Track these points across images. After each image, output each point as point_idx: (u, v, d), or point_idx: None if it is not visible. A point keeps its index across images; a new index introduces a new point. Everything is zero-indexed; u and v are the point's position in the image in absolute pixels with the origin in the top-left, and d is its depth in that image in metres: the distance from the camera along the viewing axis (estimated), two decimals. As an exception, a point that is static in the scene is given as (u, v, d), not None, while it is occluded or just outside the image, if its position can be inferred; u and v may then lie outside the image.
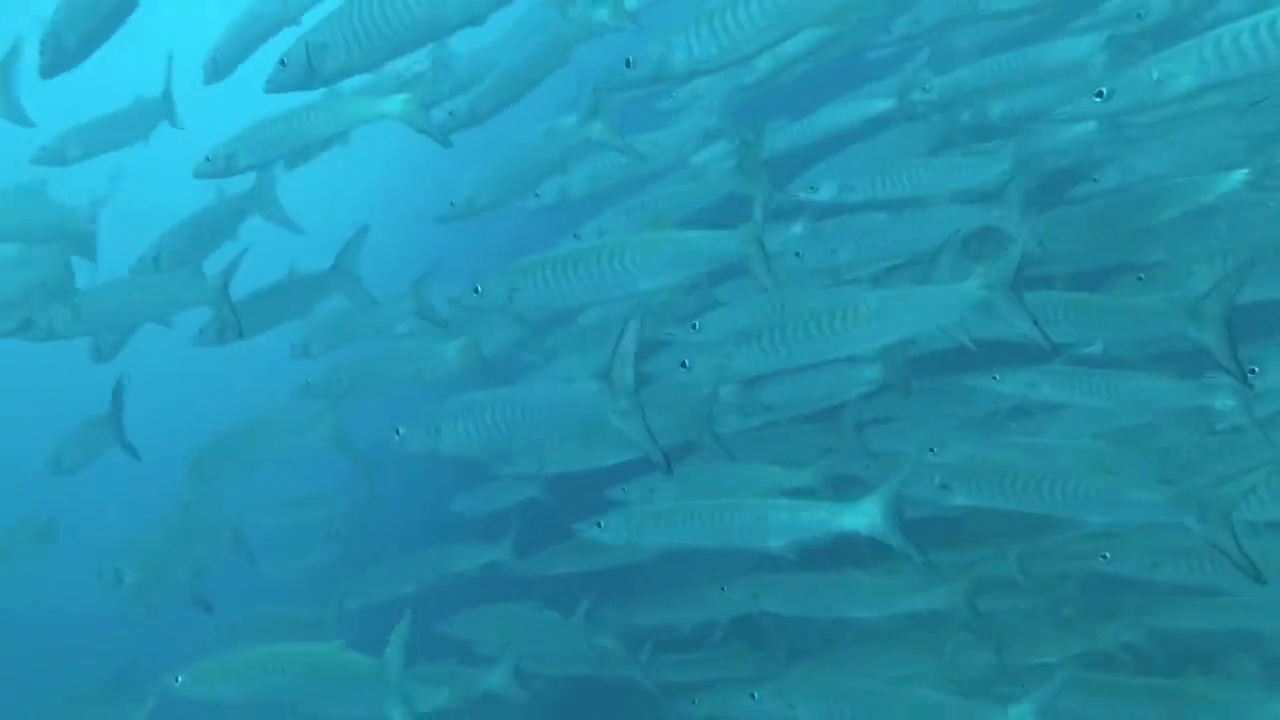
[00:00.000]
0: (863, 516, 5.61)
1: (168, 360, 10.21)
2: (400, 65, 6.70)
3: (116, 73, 8.36)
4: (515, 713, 7.52)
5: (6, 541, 10.32)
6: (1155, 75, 5.18)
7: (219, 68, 7.81)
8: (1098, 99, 5.40)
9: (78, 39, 5.82)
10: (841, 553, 6.22)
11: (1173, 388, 6.37)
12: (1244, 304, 5.75)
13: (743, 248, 5.44)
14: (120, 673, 9.38)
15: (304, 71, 5.50)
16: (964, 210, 6.89)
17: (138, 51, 8.17)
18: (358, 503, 10.56)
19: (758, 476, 7.11)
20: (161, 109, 8.85)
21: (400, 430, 5.80)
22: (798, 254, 7.20)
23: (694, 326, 6.91)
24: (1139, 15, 7.11)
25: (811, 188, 7.31)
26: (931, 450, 6.77)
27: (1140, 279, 6.53)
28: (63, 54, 5.95)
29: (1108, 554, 6.49)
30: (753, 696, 6.37)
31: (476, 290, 5.80)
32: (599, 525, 6.38)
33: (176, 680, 5.84)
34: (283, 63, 5.56)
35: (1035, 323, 5.36)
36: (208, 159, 6.54)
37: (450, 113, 7.14)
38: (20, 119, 7.78)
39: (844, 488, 7.20)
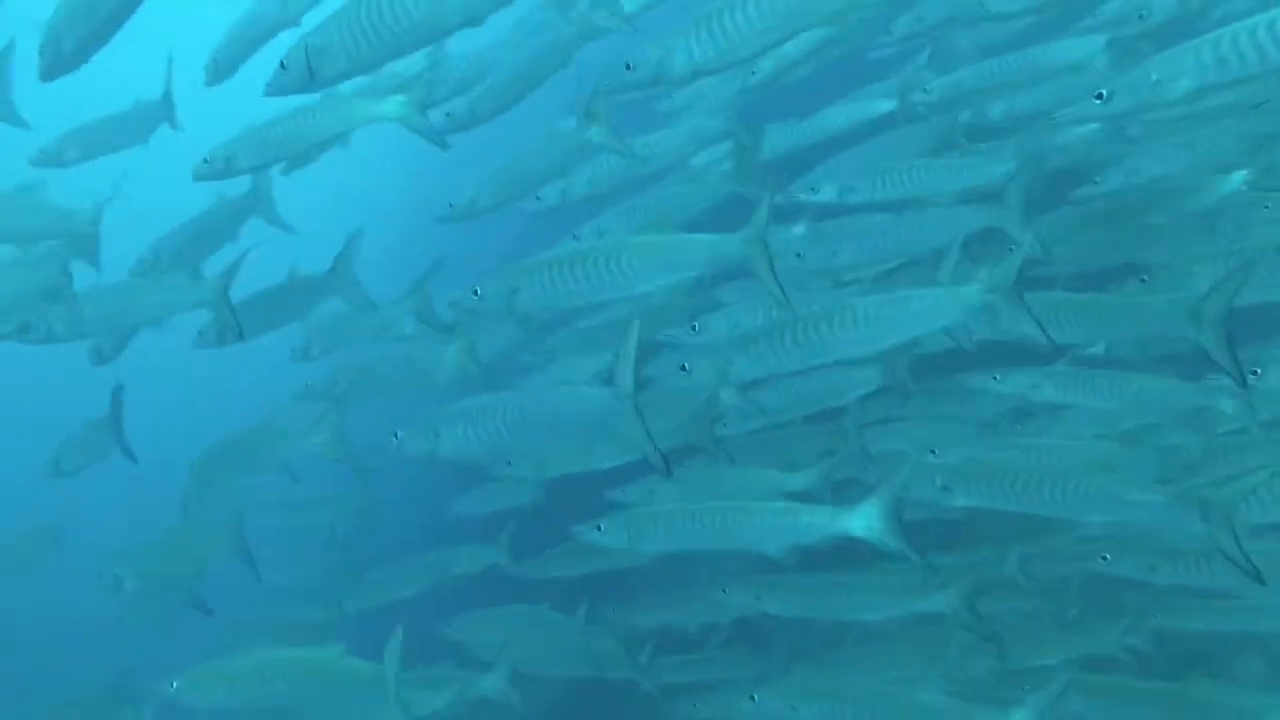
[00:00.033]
0: (861, 520, 5.59)
1: (168, 362, 10.22)
2: (398, 66, 6.65)
3: (117, 74, 8.35)
4: (514, 716, 7.49)
5: (11, 546, 10.34)
6: (1155, 77, 5.17)
7: (220, 69, 7.78)
8: (1098, 101, 5.39)
9: (76, 42, 5.79)
10: (843, 554, 6.19)
11: (1175, 388, 6.37)
12: (1246, 306, 5.76)
13: (746, 250, 5.38)
14: (120, 676, 9.39)
15: (304, 75, 5.49)
16: (966, 211, 6.88)
17: (138, 53, 8.18)
18: (356, 506, 10.55)
19: (758, 479, 7.10)
20: (161, 111, 8.85)
21: (399, 434, 5.79)
22: (799, 255, 7.18)
23: (694, 328, 6.91)
24: (1141, 16, 7.09)
25: (812, 189, 7.30)
26: (933, 452, 6.75)
27: (1143, 281, 6.50)
28: (61, 57, 5.92)
29: (1108, 555, 6.48)
30: (753, 699, 6.36)
31: (476, 292, 5.79)
32: (598, 528, 6.37)
33: (171, 686, 5.79)
34: (283, 66, 5.55)
35: (1039, 325, 5.32)
36: (206, 161, 6.54)
37: (449, 114, 7.12)
38: (14, 120, 7.78)
39: (847, 490, 7.18)
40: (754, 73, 7.75)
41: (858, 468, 7.34)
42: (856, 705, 6.20)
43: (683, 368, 6.04)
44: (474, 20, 5.28)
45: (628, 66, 5.53)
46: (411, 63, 7.32)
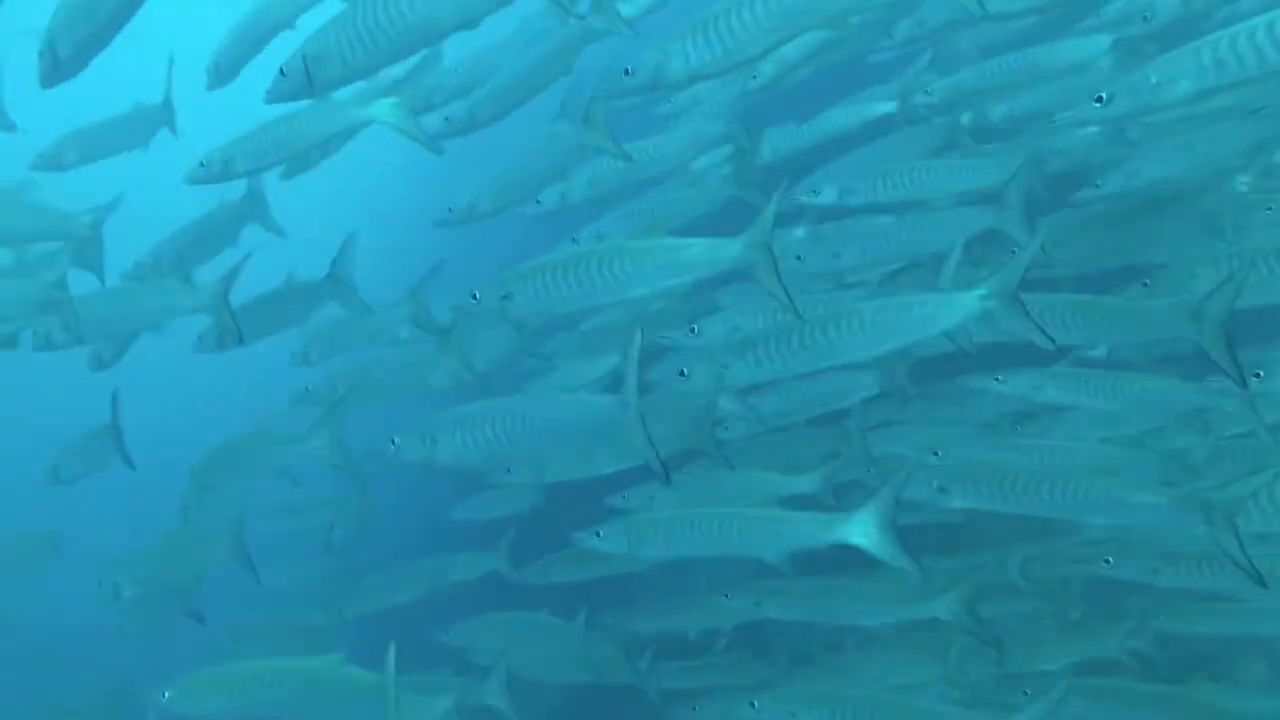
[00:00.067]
0: (857, 529, 5.55)
1: (167, 367, 10.23)
2: (395, 71, 6.65)
3: (117, 77, 8.33)
4: (515, 721, 7.47)
5: (10, 549, 10.34)
6: (1154, 80, 5.17)
7: (221, 73, 7.78)
8: (1097, 104, 5.38)
9: (73, 48, 5.78)
10: (844, 559, 6.17)
11: (1177, 389, 6.35)
12: (1249, 308, 5.75)
13: (750, 255, 5.30)
14: (119, 682, 9.40)
15: (303, 81, 5.48)
16: (968, 213, 6.86)
17: (139, 56, 8.16)
18: (353, 510, 10.54)
19: (758, 483, 7.08)
20: (161, 116, 8.85)
21: (396, 439, 5.77)
22: (799, 257, 7.18)
23: (693, 330, 6.90)
24: (1145, 17, 7.08)
25: (814, 191, 7.29)
26: (935, 453, 6.72)
27: (1146, 285, 6.48)
28: (59, 63, 5.91)
29: (1111, 559, 6.46)
30: (753, 705, 6.34)
31: (474, 296, 5.78)
32: (598, 535, 6.35)
33: (164, 695, 5.72)
34: (282, 73, 5.54)
35: (1041, 329, 5.29)
36: (202, 164, 6.54)
37: (447, 119, 7.12)
38: (3, 123, 7.76)
39: (850, 492, 7.17)
40: (755, 76, 7.75)
41: (861, 471, 7.34)
42: (856, 711, 6.17)
43: (682, 373, 6.02)
44: (469, 23, 5.26)
45: (626, 71, 5.52)
46: (408, 67, 7.31)
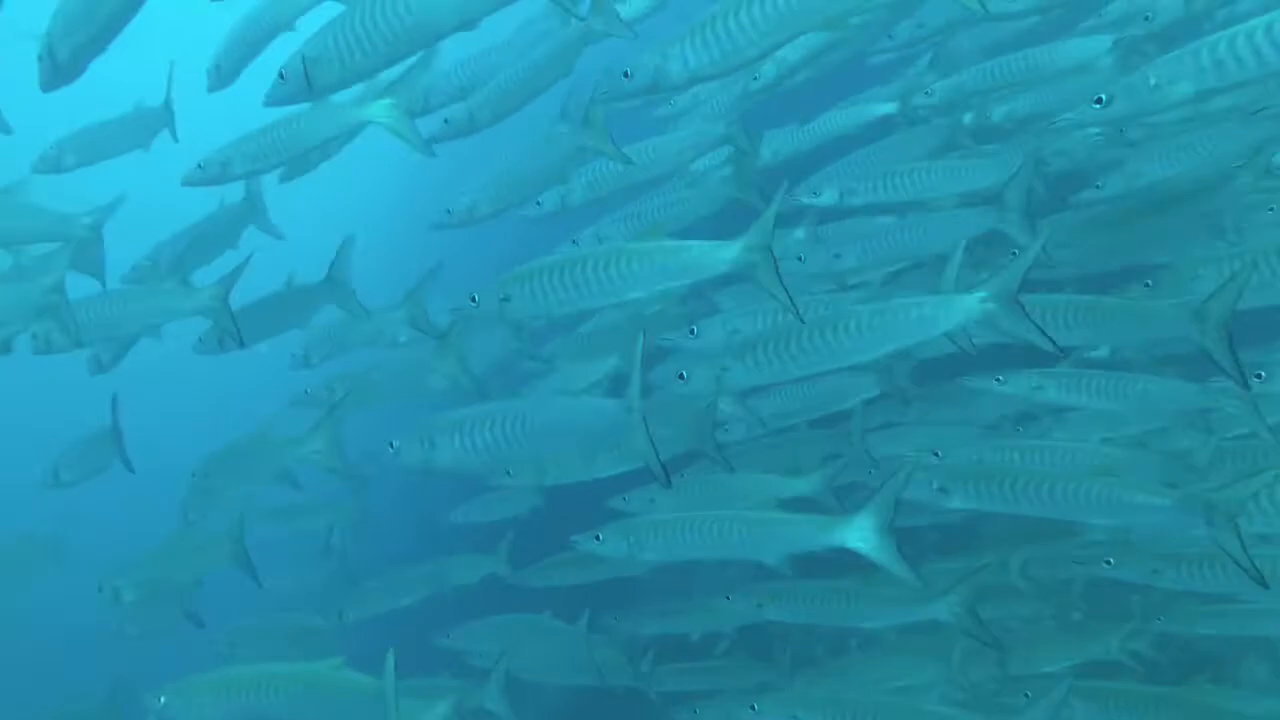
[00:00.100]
0: (854, 533, 5.52)
1: (168, 368, 10.23)
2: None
3: (117, 79, 8.34)
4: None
5: (11, 553, 10.33)
6: (1153, 81, 5.16)
7: (222, 75, 7.77)
8: (1097, 106, 5.37)
9: (70, 52, 5.77)
10: (847, 559, 6.15)
11: (1180, 390, 6.35)
12: (1251, 309, 5.73)
13: (750, 258, 5.22)
14: (117, 685, 9.39)
15: (302, 84, 5.47)
16: (969, 214, 6.86)
17: (138, 58, 8.17)
18: (352, 513, 10.54)
19: (758, 485, 7.07)
20: (162, 119, 8.85)
21: (394, 443, 5.75)
22: (800, 259, 7.17)
23: (692, 332, 6.89)
24: (1146, 18, 7.07)
25: (814, 192, 7.28)
26: (936, 454, 6.71)
27: (1148, 286, 6.47)
28: (58, 67, 5.90)
29: (1112, 560, 6.45)
30: (753, 708, 6.33)
31: (473, 299, 5.76)
32: (597, 538, 6.33)
33: (159, 700, 5.64)
34: (281, 76, 5.53)
35: (1042, 332, 5.26)
36: (200, 166, 6.55)
37: (447, 121, 7.11)
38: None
39: (854, 494, 7.16)
40: (756, 78, 7.74)
41: (863, 472, 7.33)
42: (857, 714, 6.17)
43: (681, 376, 6.01)
44: (468, 24, 5.24)
45: (625, 74, 5.51)
46: (402, 69, 7.30)
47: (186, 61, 8.66)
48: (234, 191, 8.35)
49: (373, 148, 7.74)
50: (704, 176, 7.97)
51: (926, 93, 7.84)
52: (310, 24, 6.23)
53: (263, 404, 9.58)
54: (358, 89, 6.10)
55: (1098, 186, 6.77)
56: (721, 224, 6.46)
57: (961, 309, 5.22)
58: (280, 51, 5.88)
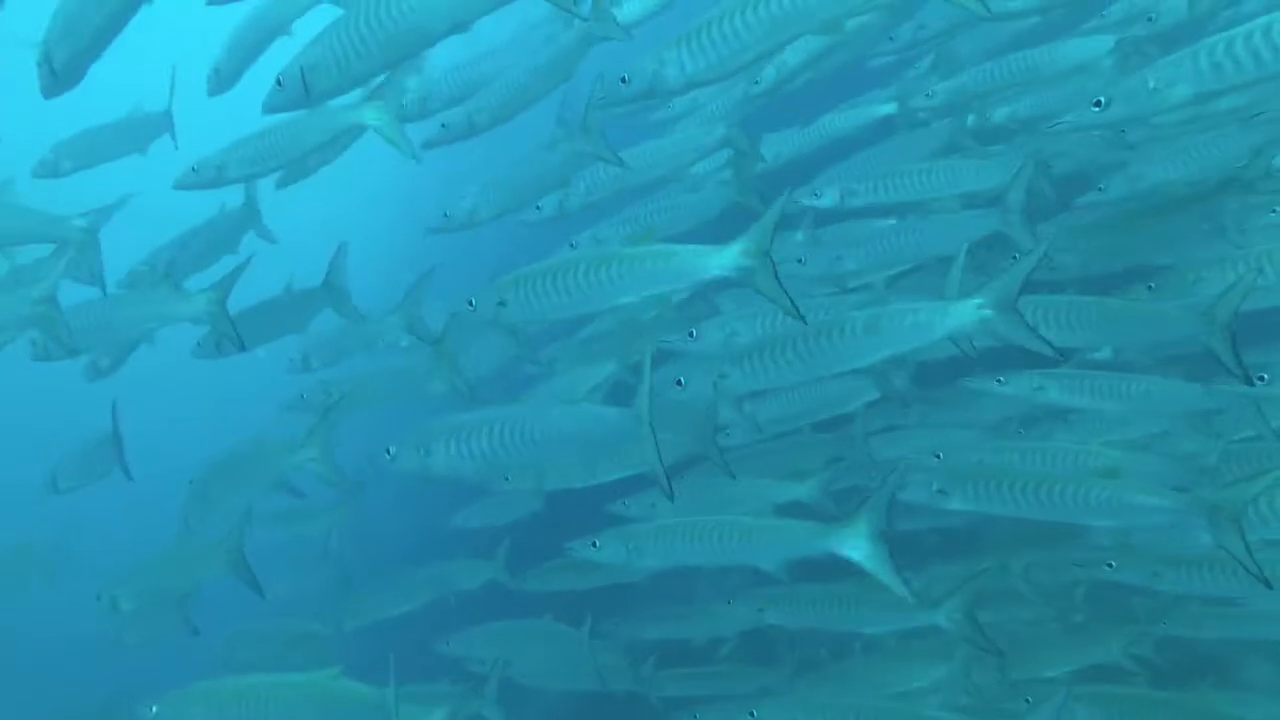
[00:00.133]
0: (847, 540, 5.51)
1: (165, 373, 10.22)
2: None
3: (115, 81, 8.33)
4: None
5: (10, 564, 10.32)
6: (1152, 84, 5.14)
7: (222, 79, 7.78)
8: (1096, 109, 5.35)
9: (66, 58, 5.77)
10: (849, 564, 6.14)
11: (1182, 390, 6.32)
12: (1253, 311, 5.71)
13: (746, 261, 5.13)
14: (114, 694, 9.37)
15: (300, 91, 5.47)
16: (971, 217, 6.84)
17: (138, 62, 8.17)
18: (348, 518, 10.52)
19: (757, 490, 7.06)
20: (160, 124, 8.86)
21: (391, 449, 5.73)
22: (800, 261, 7.15)
23: (691, 335, 6.87)
24: (1149, 19, 7.04)
25: (815, 194, 7.27)
26: (937, 456, 6.68)
27: (1150, 288, 6.45)
28: (55, 74, 5.90)
29: (1113, 563, 6.42)
30: (752, 715, 6.30)
31: (470, 304, 5.74)
32: (594, 544, 6.30)
33: (151, 710, 5.57)
34: (279, 83, 5.53)
35: (1040, 337, 5.22)
36: (194, 170, 6.56)
37: (444, 125, 7.09)
38: None
39: (855, 499, 7.14)
40: (756, 82, 7.71)
41: (864, 475, 7.32)
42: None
43: (679, 382, 5.98)
44: (461, 26, 5.23)
45: (623, 80, 5.49)
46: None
47: (184, 65, 8.67)
48: (234, 196, 8.37)
49: (374, 151, 7.74)
50: (704, 180, 7.94)
51: (927, 95, 7.81)
52: (305, 27, 6.27)
53: (261, 409, 9.57)
54: (354, 94, 6.10)
55: (1100, 189, 6.75)
56: (723, 227, 6.45)
57: (958, 315, 5.19)
58: (278, 56, 5.88)
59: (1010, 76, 7.51)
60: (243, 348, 6.89)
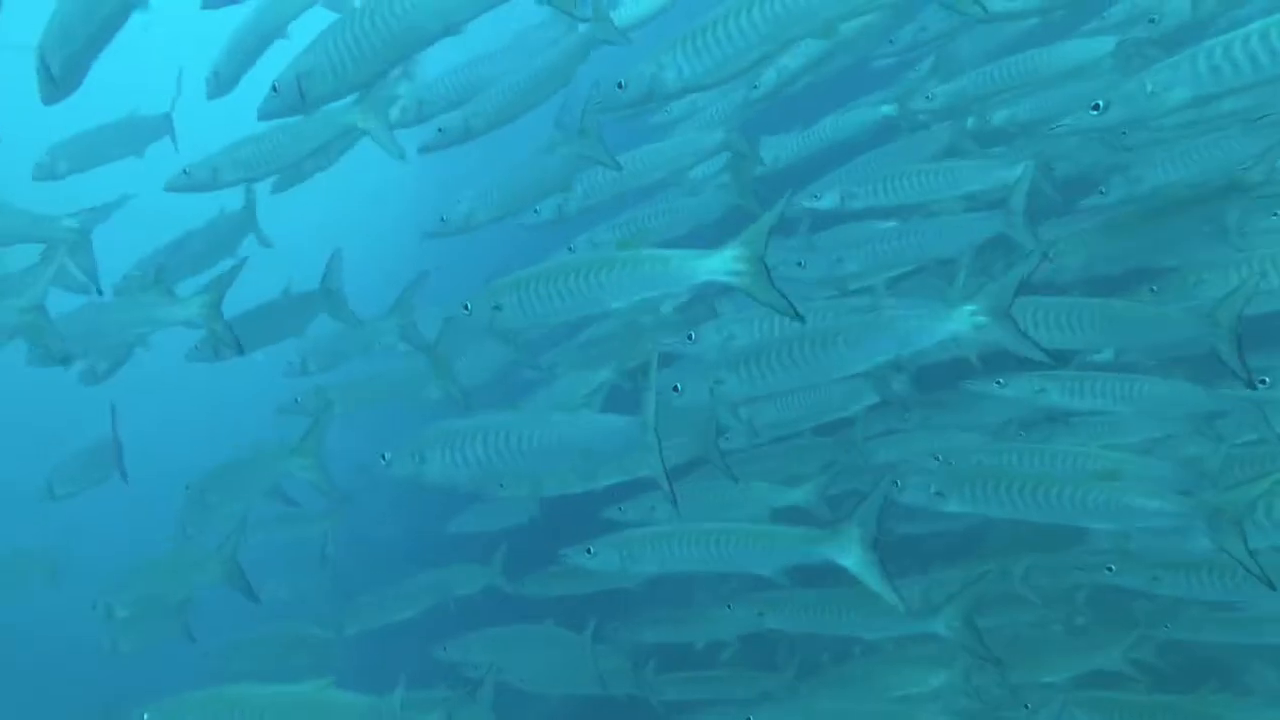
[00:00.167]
0: (838, 547, 5.50)
1: (162, 377, 10.21)
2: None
3: (113, 83, 8.32)
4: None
5: (7, 571, 10.30)
6: (1150, 88, 5.11)
7: (221, 83, 7.78)
8: (1094, 112, 5.32)
9: (63, 63, 5.77)
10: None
11: (1184, 392, 6.29)
12: (1258, 314, 5.71)
13: (738, 266, 5.03)
14: (114, 697, 9.35)
15: (296, 97, 5.47)
16: (972, 219, 6.82)
17: (137, 65, 8.17)
18: (343, 523, 10.50)
19: (754, 495, 7.05)
20: (157, 126, 8.87)
21: (386, 455, 5.71)
22: (800, 264, 7.13)
23: (690, 338, 6.85)
24: (1151, 20, 7.01)
25: (815, 196, 7.25)
26: (937, 458, 6.65)
27: (1153, 291, 6.42)
28: (53, 80, 5.90)
29: (1113, 566, 6.40)
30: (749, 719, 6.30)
31: (466, 308, 5.71)
32: (588, 551, 6.27)
33: (143, 717, 5.50)
34: (274, 90, 5.53)
35: (1035, 344, 5.18)
36: (186, 172, 6.55)
37: (441, 129, 7.08)
38: None
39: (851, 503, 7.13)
40: (756, 86, 7.69)
41: (860, 480, 7.30)
42: None
43: (675, 388, 5.95)
44: (453, 29, 5.22)
45: (620, 84, 5.47)
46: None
47: (180, 69, 8.68)
48: (232, 200, 8.37)
49: (372, 155, 7.74)
50: (703, 184, 7.92)
51: (928, 97, 7.78)
52: (302, 30, 6.26)
53: (258, 413, 9.57)
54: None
55: (1101, 192, 6.72)
56: (723, 231, 6.43)
57: (952, 322, 5.15)
58: (277, 59, 5.88)
59: (1011, 79, 7.48)
60: (240, 351, 6.86)
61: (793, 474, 7.56)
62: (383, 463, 5.69)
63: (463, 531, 9.51)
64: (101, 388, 8.11)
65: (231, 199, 8.25)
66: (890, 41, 7.91)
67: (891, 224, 7.09)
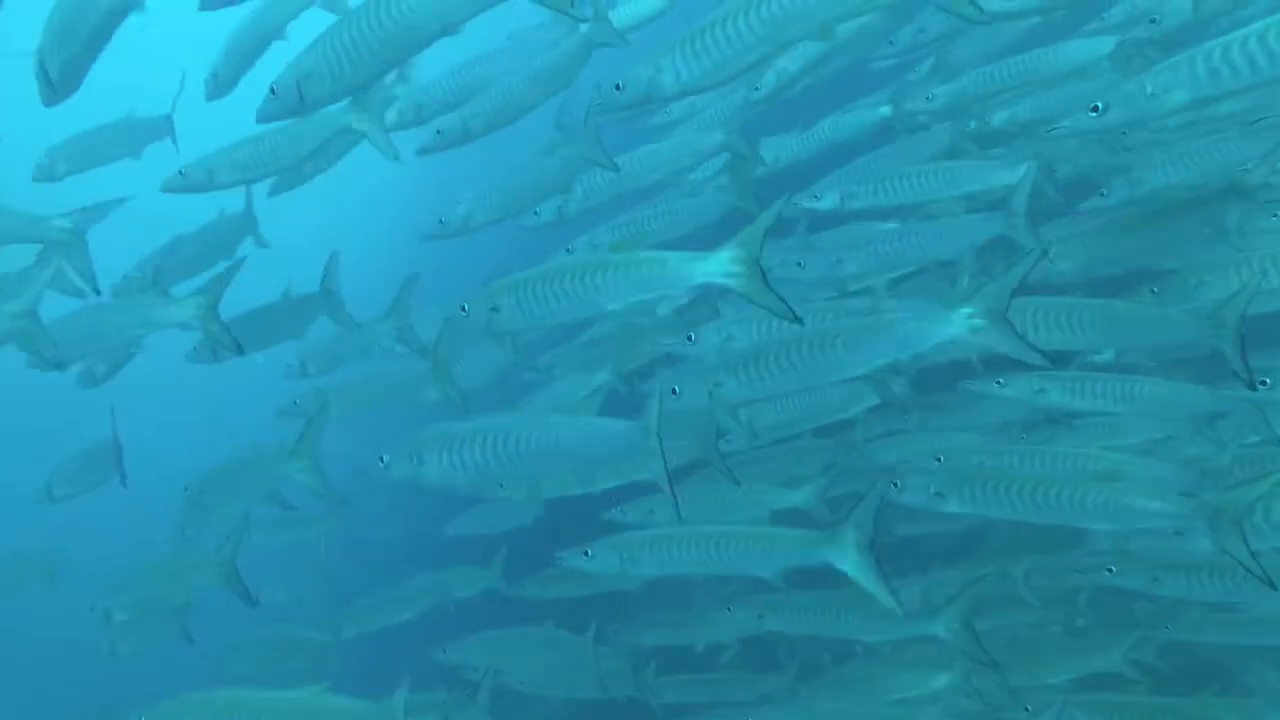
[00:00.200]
0: (835, 549, 5.50)
1: (161, 379, 10.21)
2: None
3: (111, 84, 8.32)
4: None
5: (6, 573, 10.30)
6: (1149, 89, 5.09)
7: (220, 84, 7.78)
8: (1093, 114, 5.31)
9: (60, 67, 5.77)
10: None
11: (1184, 393, 6.27)
12: (1258, 315, 5.70)
13: (733, 269, 4.97)
14: (113, 699, 9.35)
15: (295, 100, 5.46)
16: (973, 220, 6.81)
17: (135, 67, 8.16)
18: (338, 527, 10.49)
19: (753, 497, 7.04)
20: (158, 128, 8.86)
21: (384, 457, 5.69)
22: (800, 265, 7.12)
23: (690, 338, 6.84)
24: (1152, 20, 6.99)
25: (815, 196, 7.24)
26: (938, 459, 6.63)
27: (1154, 292, 6.41)
28: (51, 83, 5.90)
29: (1113, 568, 6.39)
30: None
31: (463, 309, 5.69)
32: (585, 554, 6.26)
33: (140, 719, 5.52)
34: (273, 92, 5.52)
35: (1032, 347, 5.16)
36: (181, 173, 6.55)
37: (439, 131, 7.07)
38: None
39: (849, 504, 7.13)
40: (757, 89, 7.67)
41: (860, 482, 7.29)
42: None
43: (674, 391, 5.93)
44: (451, 29, 5.20)
45: (617, 87, 5.46)
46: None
47: (178, 70, 8.68)
48: (232, 202, 8.37)
49: (371, 157, 7.74)
50: (702, 185, 7.91)
51: (928, 98, 7.76)
52: (300, 33, 6.25)
53: (257, 415, 9.57)
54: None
55: (1102, 194, 6.70)
56: (722, 233, 6.41)
57: (948, 325, 5.11)
58: (275, 62, 5.87)
59: (1010, 79, 7.46)
60: (239, 352, 6.84)
61: (793, 476, 7.55)
62: (381, 465, 5.68)
63: (462, 534, 9.51)
64: (100, 390, 8.09)
65: (231, 201, 8.25)
66: (890, 43, 7.89)
67: (891, 225, 7.08)
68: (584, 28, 6.50)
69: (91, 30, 5.64)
